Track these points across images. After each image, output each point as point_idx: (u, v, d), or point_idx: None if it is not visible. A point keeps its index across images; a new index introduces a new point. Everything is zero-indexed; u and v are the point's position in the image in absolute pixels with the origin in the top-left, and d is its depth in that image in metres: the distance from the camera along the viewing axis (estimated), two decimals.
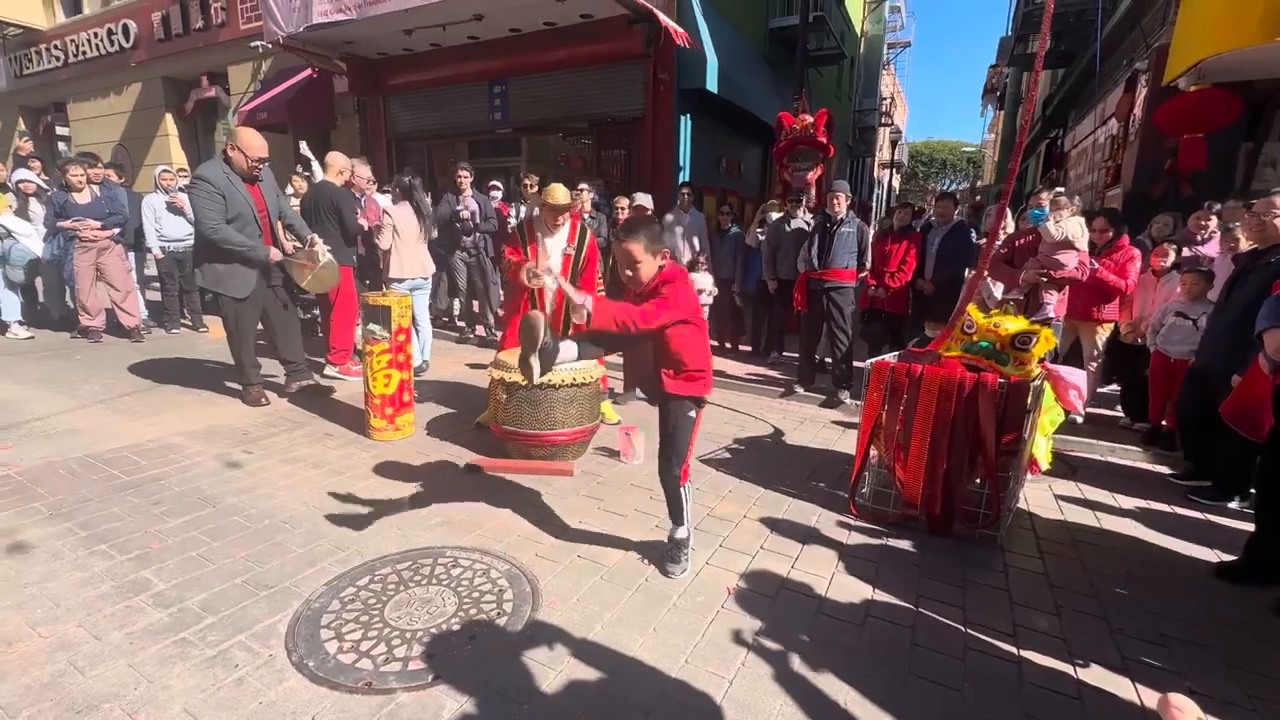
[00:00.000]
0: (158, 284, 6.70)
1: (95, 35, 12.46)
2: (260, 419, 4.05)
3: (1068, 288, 4.28)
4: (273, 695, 1.73)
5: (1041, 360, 2.97)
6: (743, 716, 1.74)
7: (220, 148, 4.06)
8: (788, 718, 1.74)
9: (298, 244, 4.23)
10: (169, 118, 12.10)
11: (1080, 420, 4.34)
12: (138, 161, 12.24)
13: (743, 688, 1.84)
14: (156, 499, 2.87)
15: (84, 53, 12.79)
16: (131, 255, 6.48)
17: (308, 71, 9.58)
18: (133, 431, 3.70)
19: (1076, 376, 3.12)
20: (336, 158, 5.00)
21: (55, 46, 13.23)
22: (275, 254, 4.06)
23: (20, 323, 6.12)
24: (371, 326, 3.68)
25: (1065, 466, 3.70)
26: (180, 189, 6.43)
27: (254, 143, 3.92)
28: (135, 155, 12.41)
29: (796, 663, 1.96)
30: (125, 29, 12.01)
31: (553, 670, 1.89)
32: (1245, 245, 3.51)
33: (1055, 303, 4.29)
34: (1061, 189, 4.76)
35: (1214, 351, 3.25)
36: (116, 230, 5.94)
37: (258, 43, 8.87)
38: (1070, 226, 4.10)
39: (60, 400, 4.23)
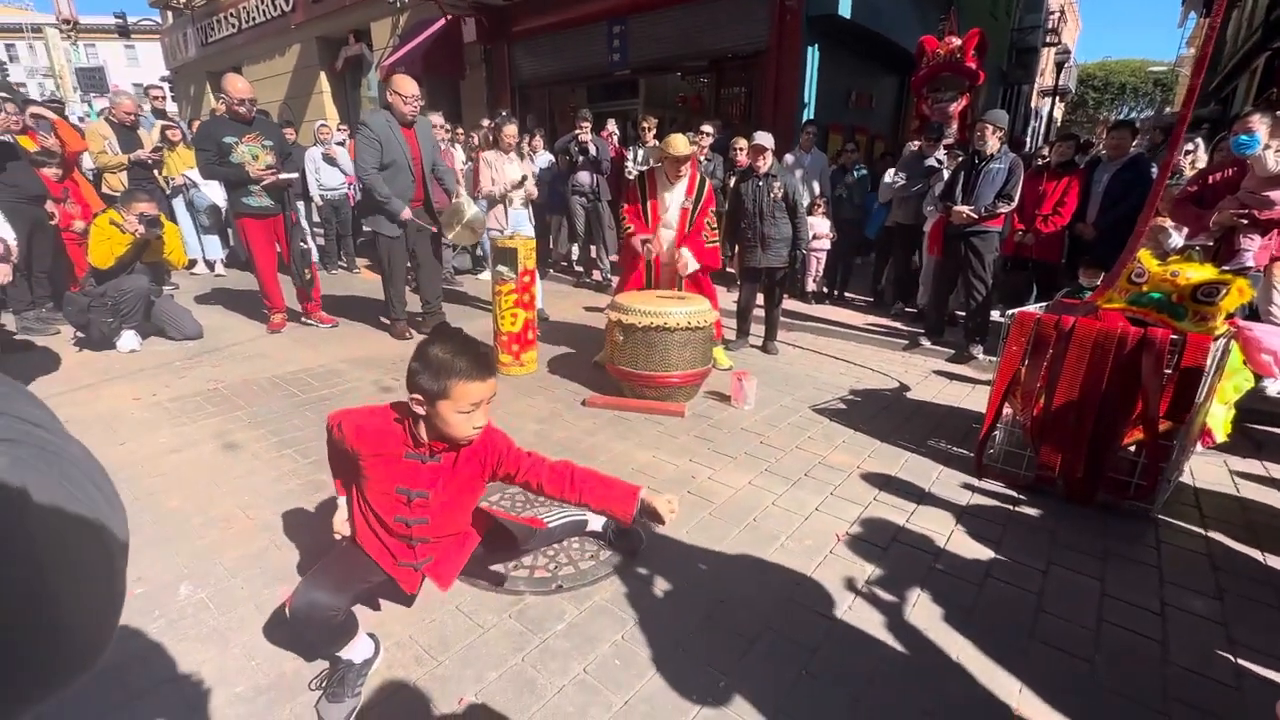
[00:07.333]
0: (320, 229, 7.52)
1: (262, 1, 13.76)
2: (406, 350, 4.46)
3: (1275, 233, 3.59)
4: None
5: (1230, 316, 2.56)
6: (849, 655, 1.76)
7: (364, 103, 4.44)
8: (895, 659, 1.75)
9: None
10: (323, 76, 13.19)
11: (1276, 390, 3.72)
12: (299, 118, 13.57)
13: (849, 629, 1.87)
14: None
15: (254, 19, 14.19)
16: (300, 204, 7.31)
17: (439, 23, 9.98)
18: (306, 357, 4.29)
19: (1277, 338, 2.67)
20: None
21: (231, 14, 14.79)
22: (407, 213, 4.34)
23: (221, 260, 7.18)
24: (500, 268, 3.92)
25: (1248, 441, 3.22)
26: (337, 142, 7.08)
27: (406, 84, 4.29)
28: (296, 112, 13.75)
29: (907, 612, 1.94)
30: None
31: (661, 591, 2.02)
32: None
33: (1257, 249, 3.63)
34: None
35: None
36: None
37: None
38: None
39: (250, 329, 4.97)
